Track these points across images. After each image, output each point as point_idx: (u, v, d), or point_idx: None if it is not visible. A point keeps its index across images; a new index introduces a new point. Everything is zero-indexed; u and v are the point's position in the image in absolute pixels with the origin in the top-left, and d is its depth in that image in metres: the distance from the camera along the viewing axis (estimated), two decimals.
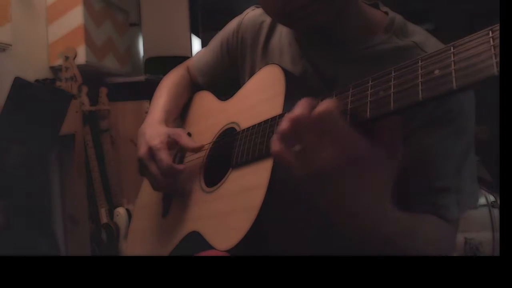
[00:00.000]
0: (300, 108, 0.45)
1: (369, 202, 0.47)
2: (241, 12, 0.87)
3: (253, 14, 0.83)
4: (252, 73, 0.80)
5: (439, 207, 0.62)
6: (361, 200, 0.47)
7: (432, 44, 0.64)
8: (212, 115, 0.83)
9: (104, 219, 2.02)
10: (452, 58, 0.38)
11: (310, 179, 0.46)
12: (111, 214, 2.05)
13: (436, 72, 0.39)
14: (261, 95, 0.69)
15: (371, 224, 0.49)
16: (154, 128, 0.80)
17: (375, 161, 0.45)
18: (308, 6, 0.58)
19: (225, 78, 0.89)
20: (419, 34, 0.66)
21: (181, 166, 0.75)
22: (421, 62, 0.41)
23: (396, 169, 0.47)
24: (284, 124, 0.46)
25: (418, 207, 0.61)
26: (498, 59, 0.34)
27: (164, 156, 0.74)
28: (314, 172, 0.45)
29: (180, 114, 0.93)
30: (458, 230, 0.66)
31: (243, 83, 0.78)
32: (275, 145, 0.47)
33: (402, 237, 0.53)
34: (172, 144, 0.77)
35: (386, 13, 0.70)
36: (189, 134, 0.88)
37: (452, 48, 0.39)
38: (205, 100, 0.89)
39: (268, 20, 0.80)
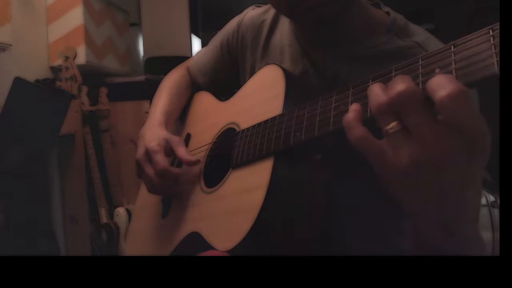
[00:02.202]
0: (406, 82, 0.36)
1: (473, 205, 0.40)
2: (241, 12, 0.87)
3: (253, 13, 0.83)
4: (252, 72, 0.80)
5: None
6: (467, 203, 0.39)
7: (434, 44, 0.64)
8: (211, 116, 0.83)
9: (104, 219, 2.02)
10: (453, 57, 0.38)
11: (409, 172, 0.37)
12: (111, 214, 2.05)
13: (437, 71, 0.39)
14: (261, 95, 0.69)
15: (462, 232, 0.41)
16: (153, 131, 0.80)
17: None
18: None
19: (225, 78, 0.89)
20: (420, 34, 0.66)
21: (176, 170, 0.75)
22: (421, 61, 0.41)
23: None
24: (382, 96, 0.37)
25: None
26: (499, 57, 0.34)
27: (160, 159, 0.73)
28: (420, 163, 0.36)
29: (180, 115, 0.93)
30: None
31: (244, 83, 0.78)
32: (357, 128, 0.39)
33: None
34: (169, 151, 0.76)
35: (387, 13, 0.70)
36: (188, 135, 0.88)
37: (452, 47, 0.39)
38: (205, 101, 0.89)
39: (268, 19, 0.80)
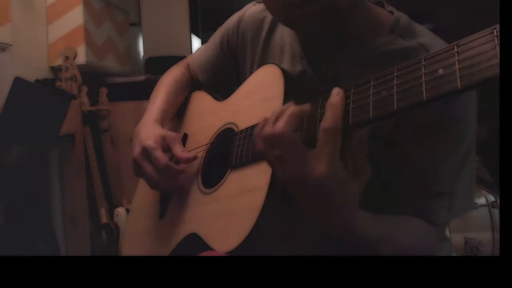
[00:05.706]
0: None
1: (338, 213, 0.50)
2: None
3: (254, 9, 0.82)
4: (252, 69, 0.79)
5: (430, 211, 0.61)
6: (330, 211, 0.50)
7: (439, 45, 0.62)
8: (209, 116, 0.83)
9: (104, 219, 2.02)
10: (456, 58, 0.37)
11: (285, 183, 0.50)
12: (111, 214, 2.05)
13: (440, 71, 0.38)
14: (259, 95, 0.69)
15: (345, 229, 0.51)
16: (149, 128, 0.79)
17: (333, 182, 0.47)
18: (313, 15, 0.57)
19: (225, 75, 0.88)
20: (425, 36, 0.64)
21: (178, 166, 0.74)
22: (424, 61, 0.40)
23: (362, 185, 0.49)
24: (267, 129, 0.51)
25: (409, 209, 0.61)
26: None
27: (160, 155, 0.72)
28: (287, 179, 0.50)
29: (176, 113, 0.92)
30: (444, 233, 0.67)
31: (244, 79, 0.77)
32: (259, 143, 0.52)
33: (385, 242, 0.54)
34: (166, 148, 0.75)
35: (391, 12, 0.68)
36: (185, 135, 0.87)
37: (455, 47, 0.38)
38: (202, 100, 0.89)
39: (269, 16, 0.78)
